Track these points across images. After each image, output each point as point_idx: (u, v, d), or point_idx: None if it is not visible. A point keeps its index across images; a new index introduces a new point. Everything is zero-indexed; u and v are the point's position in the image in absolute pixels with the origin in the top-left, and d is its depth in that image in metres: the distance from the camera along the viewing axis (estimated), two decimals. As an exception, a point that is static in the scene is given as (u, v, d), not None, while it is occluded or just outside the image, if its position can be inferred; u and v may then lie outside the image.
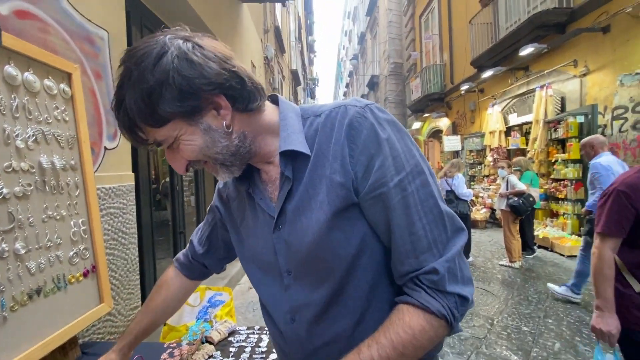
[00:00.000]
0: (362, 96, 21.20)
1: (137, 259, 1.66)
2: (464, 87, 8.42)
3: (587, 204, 3.16)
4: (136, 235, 1.65)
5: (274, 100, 0.64)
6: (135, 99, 0.48)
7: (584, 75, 5.02)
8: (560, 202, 5.53)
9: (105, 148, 1.46)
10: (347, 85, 31.04)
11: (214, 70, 0.50)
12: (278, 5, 7.15)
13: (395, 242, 0.53)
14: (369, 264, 0.57)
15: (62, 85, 1.08)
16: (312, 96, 21.17)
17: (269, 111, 0.61)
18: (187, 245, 0.85)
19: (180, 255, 0.86)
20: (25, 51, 0.93)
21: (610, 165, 2.82)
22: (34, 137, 0.94)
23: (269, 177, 0.63)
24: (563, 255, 4.83)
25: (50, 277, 0.96)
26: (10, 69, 0.88)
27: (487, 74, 7.10)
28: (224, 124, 0.54)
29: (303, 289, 0.60)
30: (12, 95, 0.89)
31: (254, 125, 0.58)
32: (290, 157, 0.57)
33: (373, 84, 18.31)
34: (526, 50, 5.58)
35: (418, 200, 0.52)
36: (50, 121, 1.02)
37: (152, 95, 0.48)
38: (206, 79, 0.49)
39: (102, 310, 1.16)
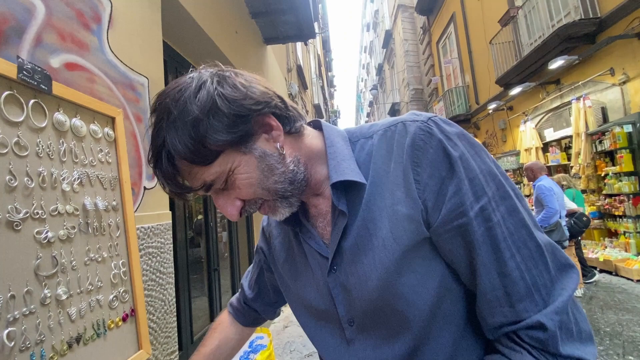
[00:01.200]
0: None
1: (174, 299, 1.62)
2: (492, 105, 8.21)
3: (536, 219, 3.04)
4: (173, 275, 1.62)
5: (317, 126, 0.58)
6: (180, 137, 0.42)
7: (624, 82, 4.73)
8: (617, 219, 5.01)
9: (145, 188, 1.48)
10: (367, 115, 31.51)
11: (259, 90, 0.47)
12: (299, 45, 7.55)
13: (482, 286, 0.43)
14: (451, 313, 0.46)
15: (106, 129, 1.11)
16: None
17: (313, 136, 0.55)
18: (239, 289, 0.80)
19: (233, 299, 0.79)
20: (73, 99, 0.97)
21: (551, 187, 3.37)
22: (79, 180, 0.96)
23: (318, 211, 0.55)
24: (631, 280, 4.27)
25: (90, 323, 0.93)
26: (60, 116, 0.92)
27: (515, 90, 6.90)
28: (278, 146, 0.48)
29: (372, 345, 0.49)
30: (60, 140, 0.92)
31: (303, 150, 0.52)
32: (343, 188, 0.49)
33: (394, 111, 18.44)
34: (556, 64, 5.40)
35: (507, 232, 0.42)
36: (95, 164, 1.04)
37: (199, 127, 0.42)
38: (253, 100, 0.45)
39: (141, 358, 1.10)
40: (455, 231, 0.43)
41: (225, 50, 2.72)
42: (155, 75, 1.68)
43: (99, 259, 0.99)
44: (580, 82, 5.43)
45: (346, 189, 0.50)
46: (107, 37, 1.35)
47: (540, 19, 5.86)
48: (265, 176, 0.47)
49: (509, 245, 0.41)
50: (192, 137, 0.43)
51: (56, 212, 0.87)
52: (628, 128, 4.63)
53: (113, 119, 1.16)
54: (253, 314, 0.76)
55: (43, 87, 0.85)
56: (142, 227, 1.41)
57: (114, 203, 1.10)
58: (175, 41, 2.40)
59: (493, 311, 0.42)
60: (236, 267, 3.49)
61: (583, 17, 4.96)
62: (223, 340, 0.74)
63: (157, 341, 1.44)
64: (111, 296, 1.02)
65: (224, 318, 0.77)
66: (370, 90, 26.15)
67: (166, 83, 2.15)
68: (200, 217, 2.92)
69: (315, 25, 5.25)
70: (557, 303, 0.40)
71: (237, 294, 0.79)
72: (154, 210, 1.53)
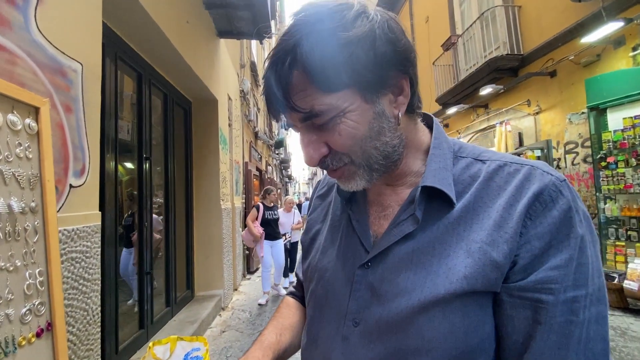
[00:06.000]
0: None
1: (99, 308, 1.48)
2: (431, 121, 8.91)
3: None
4: (99, 282, 1.49)
5: (427, 122, 0.53)
6: (319, 48, 0.38)
7: (537, 113, 5.51)
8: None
9: (71, 185, 1.34)
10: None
11: (408, 45, 0.42)
12: (254, 42, 7.37)
13: None
14: None
15: (27, 120, 0.99)
16: (286, 127, 21.36)
17: (421, 128, 0.51)
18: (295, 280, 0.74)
19: (291, 288, 0.73)
20: (-12, 84, 0.85)
21: None
22: (-10, 178, 0.84)
23: (379, 200, 0.51)
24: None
25: (-5, 342, 0.82)
26: (-31, 104, 0.80)
27: (451, 110, 7.60)
28: (398, 114, 0.44)
29: (365, 353, 0.44)
30: (-31, 132, 0.80)
31: (411, 134, 0.48)
32: (427, 195, 0.45)
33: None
34: (485, 90, 6.07)
35: (585, 337, 0.37)
36: (11, 159, 0.92)
37: (343, 49, 0.38)
38: (405, 54, 0.41)
39: (56, 377, 0.99)
40: (530, 303, 0.39)
41: (173, 38, 2.56)
42: (91, 60, 1.52)
43: (11, 268, 0.88)
44: (503, 109, 6.19)
45: (430, 198, 0.45)
46: (35, 15, 1.19)
47: (475, 49, 6.54)
48: (371, 136, 0.42)
49: (579, 351, 0.37)
50: (331, 55, 0.38)
51: (-42, 216, 0.75)
52: (537, 153, 5.40)
53: (37, 109, 1.03)
54: None
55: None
56: (65, 230, 1.27)
57: (33, 204, 0.98)
58: (118, 24, 2.20)
59: None
60: (172, 268, 3.29)
61: (509, 53, 5.67)
62: (297, 320, 0.65)
63: (76, 355, 1.31)
64: (24, 309, 0.90)
65: (290, 302, 0.68)
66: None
67: (104, 69, 1.95)
68: (134, 215, 2.70)
69: (273, 24, 5.19)
70: None
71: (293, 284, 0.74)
72: (81, 210, 1.39)
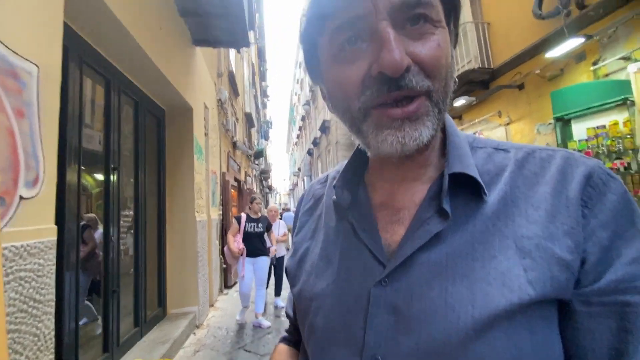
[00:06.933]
0: (315, 139, 21.92)
1: (52, 332, 1.34)
2: (408, 132, 9.12)
3: None
4: (53, 303, 1.35)
5: None
6: None
7: (508, 124, 5.75)
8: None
9: (21, 197, 1.22)
10: (299, 129, 32.10)
11: None
12: (232, 51, 7.32)
13: None
14: None
15: (-35, 124, 0.89)
16: (266, 137, 21.37)
17: None
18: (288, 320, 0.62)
19: (284, 332, 0.62)
20: None
21: None
22: None
23: (391, 202, 0.42)
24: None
25: None
26: None
27: (428, 121, 7.81)
28: (455, 58, 0.40)
29: None
30: None
31: None
32: (452, 187, 0.38)
33: (325, 128, 19.12)
34: (459, 102, 6.28)
35: None
36: (-58, 167, 0.81)
37: None
38: None
39: (-8, 416, 0.87)
40: (614, 308, 0.32)
41: (145, 44, 2.47)
42: (50, 62, 1.42)
43: (-64, 292, 0.76)
44: (477, 120, 6.41)
45: (454, 190, 0.38)
46: (-18, 11, 1.10)
47: (449, 62, 6.80)
48: (449, 66, 0.36)
49: None
50: None
51: None
52: (509, 161, 5.63)
53: (-21, 112, 0.93)
54: None
55: None
56: (12, 246, 1.14)
57: (-30, 218, 0.87)
58: (83, 26, 2.09)
59: None
60: (141, 285, 3.10)
61: (480, 66, 5.92)
62: None
63: (21, 388, 1.17)
64: (-49, 340, 0.79)
65: (282, 348, 0.58)
66: (303, 105, 26.74)
67: (64, 72, 1.84)
68: (99, 227, 2.52)
69: (251, 34, 5.17)
70: None
71: (286, 327, 0.63)
72: (33, 224, 1.26)
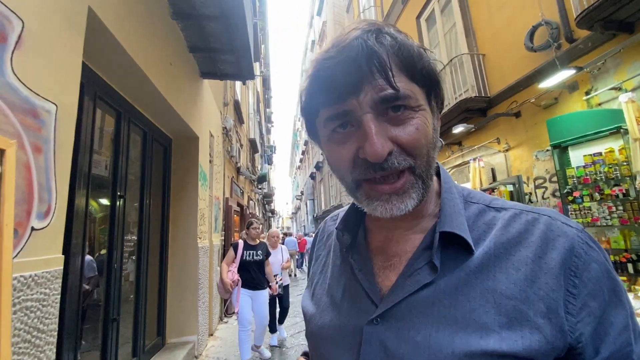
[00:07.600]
0: (317, 163, 22.11)
1: (53, 363, 1.35)
2: (410, 157, 9.22)
3: None
4: (56, 333, 1.37)
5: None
6: (397, 42, 0.40)
7: (507, 150, 5.83)
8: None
9: (33, 228, 1.28)
10: (302, 153, 32.51)
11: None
12: (238, 82, 7.62)
13: None
14: None
15: (-10, 163, 0.96)
16: (270, 162, 21.58)
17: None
18: None
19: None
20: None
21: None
22: (-61, 225, 0.79)
23: (386, 247, 0.47)
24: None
25: None
26: None
27: (428, 147, 7.93)
28: (437, 129, 0.45)
29: None
30: None
31: None
32: (443, 242, 0.42)
33: (327, 153, 19.36)
34: (458, 129, 6.42)
35: None
36: (-33, 204, 0.88)
37: (420, 52, 0.42)
38: (436, 76, 0.44)
39: None
40: None
41: (155, 79, 2.62)
42: (68, 100, 1.53)
43: (-49, 323, 0.81)
44: (476, 146, 6.52)
45: (444, 245, 0.42)
46: (12, 58, 1.21)
47: (447, 90, 7.01)
48: (430, 142, 0.42)
49: None
50: (417, 51, 0.41)
51: None
52: (510, 187, 5.65)
53: (2, 152, 1.01)
54: None
55: None
56: (21, 277, 1.19)
57: (-14, 250, 0.92)
58: (99, 65, 2.24)
59: None
60: (141, 313, 3.08)
61: (477, 95, 6.11)
62: None
63: (19, 421, 1.17)
64: (-40, 370, 0.82)
65: None
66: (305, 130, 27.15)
67: (81, 108, 1.96)
68: (102, 252, 2.56)
69: (257, 65, 5.41)
70: None
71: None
72: (42, 254, 1.32)
